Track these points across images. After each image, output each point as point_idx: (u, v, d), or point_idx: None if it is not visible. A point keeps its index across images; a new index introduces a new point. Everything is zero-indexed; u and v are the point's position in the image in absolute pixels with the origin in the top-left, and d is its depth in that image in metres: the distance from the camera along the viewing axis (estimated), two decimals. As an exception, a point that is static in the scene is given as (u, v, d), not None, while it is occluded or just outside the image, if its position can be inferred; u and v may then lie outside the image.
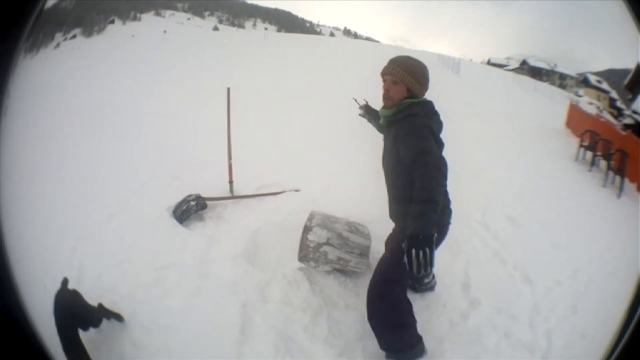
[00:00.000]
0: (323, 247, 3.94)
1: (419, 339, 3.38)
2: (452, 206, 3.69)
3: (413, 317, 3.35)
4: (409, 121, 3.10)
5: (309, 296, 3.85)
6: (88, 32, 13.29)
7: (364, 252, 4.03)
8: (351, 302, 3.90)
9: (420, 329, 3.43)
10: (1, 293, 1.68)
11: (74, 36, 13.43)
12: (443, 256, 4.30)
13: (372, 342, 3.35)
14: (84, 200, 5.07)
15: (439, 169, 2.88)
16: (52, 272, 3.82)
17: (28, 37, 1.59)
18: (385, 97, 3.23)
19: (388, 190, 3.43)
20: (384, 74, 3.25)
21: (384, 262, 3.38)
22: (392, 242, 3.44)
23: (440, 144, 3.24)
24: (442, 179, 2.90)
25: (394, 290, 3.27)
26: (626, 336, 1.62)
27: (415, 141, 2.94)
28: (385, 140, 3.43)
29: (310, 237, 3.96)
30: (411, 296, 3.57)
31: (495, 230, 4.91)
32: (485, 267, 4.29)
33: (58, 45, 12.89)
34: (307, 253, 3.99)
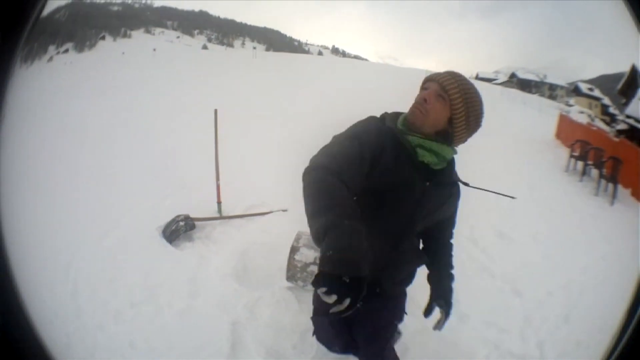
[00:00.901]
0: (310, 267, 3.95)
1: None
2: None
3: None
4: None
5: (298, 315, 3.86)
6: (80, 47, 13.29)
7: None
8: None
9: (409, 344, 3.48)
10: (3, 299, 1.69)
11: (67, 50, 13.45)
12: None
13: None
14: (77, 217, 5.11)
15: None
16: (49, 283, 3.88)
17: (25, 44, 1.60)
18: (419, 109, 2.16)
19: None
20: (430, 80, 2.20)
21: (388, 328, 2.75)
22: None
23: None
24: None
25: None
26: (626, 338, 1.64)
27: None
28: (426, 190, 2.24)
29: (297, 257, 3.97)
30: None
31: (484, 245, 4.93)
32: (474, 282, 4.30)
33: (51, 58, 12.92)
34: (295, 273, 4.00)
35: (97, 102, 9.19)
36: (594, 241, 5.16)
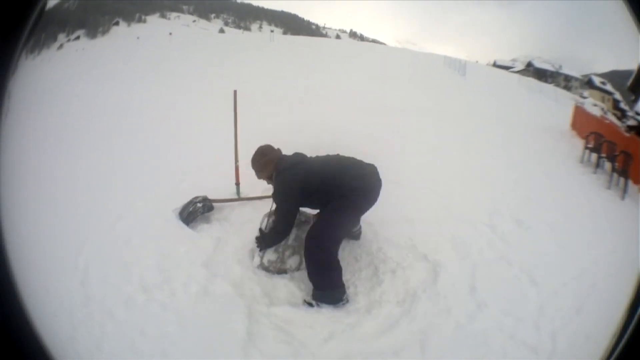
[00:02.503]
0: None
1: (341, 286, 4.02)
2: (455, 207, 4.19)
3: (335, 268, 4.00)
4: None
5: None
6: (92, 34, 13.26)
7: None
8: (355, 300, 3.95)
9: (427, 330, 3.48)
10: (1, 294, 1.66)
11: (78, 37, 13.43)
12: (450, 258, 4.37)
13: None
14: (90, 202, 5.07)
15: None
16: (55, 273, 3.82)
17: (29, 37, 1.57)
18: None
19: None
20: None
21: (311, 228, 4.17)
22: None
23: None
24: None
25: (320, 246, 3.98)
26: (626, 336, 1.61)
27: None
28: None
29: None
30: (420, 297, 3.76)
31: (502, 232, 4.89)
32: (493, 270, 4.27)
33: (61, 46, 12.90)
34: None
35: (112, 86, 9.17)
36: (605, 234, 5.11)
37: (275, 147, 4.44)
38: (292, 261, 4.24)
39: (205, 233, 4.72)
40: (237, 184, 5.27)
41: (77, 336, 3.19)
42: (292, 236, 4.28)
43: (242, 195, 5.29)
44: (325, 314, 3.70)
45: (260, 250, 4.32)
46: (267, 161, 4.31)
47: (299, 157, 4.35)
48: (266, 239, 4.32)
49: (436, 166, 6.57)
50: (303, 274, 4.17)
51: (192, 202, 4.95)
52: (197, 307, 3.65)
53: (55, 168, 5.90)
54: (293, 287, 4.00)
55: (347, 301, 4.00)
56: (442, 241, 4.67)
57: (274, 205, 4.32)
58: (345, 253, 4.50)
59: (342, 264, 4.16)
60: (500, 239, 4.77)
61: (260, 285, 3.96)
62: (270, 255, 4.25)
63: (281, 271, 4.22)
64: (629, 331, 1.61)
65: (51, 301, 3.44)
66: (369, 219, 4.57)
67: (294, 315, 3.67)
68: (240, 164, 5.28)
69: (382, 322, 3.60)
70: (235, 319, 3.53)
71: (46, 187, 5.29)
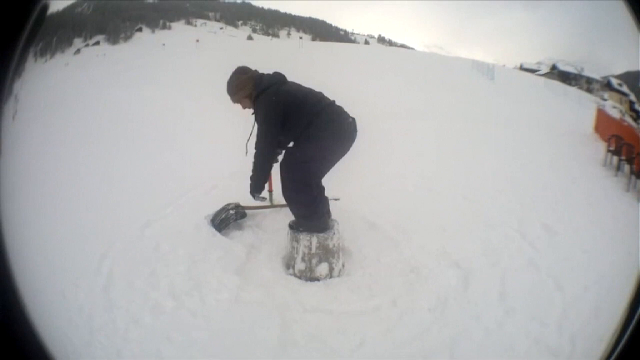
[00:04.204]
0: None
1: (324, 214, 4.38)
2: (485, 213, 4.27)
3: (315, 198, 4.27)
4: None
5: (347, 304, 3.90)
6: (113, 39, 13.30)
7: None
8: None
9: (457, 337, 3.53)
10: (3, 295, 1.68)
11: (97, 42, 13.48)
12: (481, 264, 4.41)
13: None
14: (117, 208, 5.12)
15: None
16: (75, 277, 3.86)
17: (29, 40, 1.58)
18: None
19: None
20: None
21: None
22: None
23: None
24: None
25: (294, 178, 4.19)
26: (626, 336, 1.62)
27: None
28: None
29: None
30: (451, 304, 3.78)
31: (531, 238, 4.92)
32: (521, 276, 4.29)
33: (79, 51, 12.96)
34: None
35: (137, 91, 9.21)
36: (623, 238, 5.11)
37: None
38: (321, 269, 4.26)
39: (238, 240, 4.73)
40: (270, 191, 5.27)
41: (93, 341, 3.22)
42: (314, 244, 4.25)
43: (275, 202, 5.29)
44: (358, 321, 3.70)
45: (252, 193, 4.48)
46: (246, 79, 4.25)
47: (280, 77, 4.30)
48: (252, 172, 4.40)
49: (466, 171, 6.59)
50: (334, 280, 4.23)
51: (224, 209, 4.97)
52: (228, 314, 3.67)
53: (81, 171, 5.96)
54: (325, 293, 4.00)
55: (332, 229, 4.33)
56: (473, 248, 4.70)
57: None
58: (379, 260, 4.50)
59: (376, 270, 4.24)
60: (529, 245, 4.80)
61: (292, 292, 3.97)
62: (299, 265, 4.27)
63: (312, 279, 4.24)
64: (629, 331, 1.62)
65: (67, 307, 3.48)
66: (402, 225, 4.61)
67: (325, 322, 3.67)
68: (273, 170, 5.24)
69: (413, 329, 3.59)
70: (267, 326, 3.53)
71: (70, 190, 5.35)
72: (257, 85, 4.20)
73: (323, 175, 4.41)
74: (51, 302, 3.53)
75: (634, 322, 1.63)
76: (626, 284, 1.93)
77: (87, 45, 12.92)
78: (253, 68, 4.41)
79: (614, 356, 1.65)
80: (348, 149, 4.24)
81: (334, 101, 4.32)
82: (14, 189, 2.25)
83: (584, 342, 3.51)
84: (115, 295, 3.75)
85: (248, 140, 4.43)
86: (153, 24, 13.54)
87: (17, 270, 1.71)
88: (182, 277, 4.05)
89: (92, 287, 3.82)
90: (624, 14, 1.64)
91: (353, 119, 4.27)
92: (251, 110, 4.36)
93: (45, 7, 1.59)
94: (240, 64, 4.41)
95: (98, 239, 4.51)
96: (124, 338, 3.29)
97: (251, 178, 4.41)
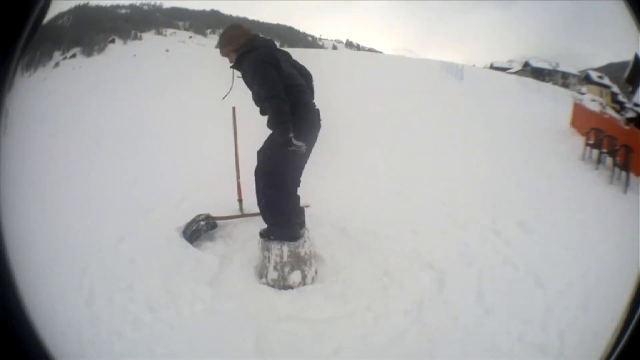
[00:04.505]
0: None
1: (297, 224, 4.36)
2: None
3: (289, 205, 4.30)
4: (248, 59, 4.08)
5: (322, 312, 3.88)
6: (88, 52, 13.26)
7: None
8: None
9: (435, 336, 3.52)
10: (4, 303, 1.66)
11: (74, 55, 13.42)
12: (456, 265, 4.39)
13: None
14: (93, 221, 5.08)
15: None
16: (61, 291, 3.84)
17: (22, 53, 1.57)
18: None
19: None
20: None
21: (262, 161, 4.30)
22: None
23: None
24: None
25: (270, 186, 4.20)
26: (627, 335, 1.61)
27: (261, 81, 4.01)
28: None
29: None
30: (427, 306, 3.77)
31: (506, 236, 4.91)
32: (498, 274, 4.29)
33: (57, 64, 12.88)
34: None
35: (110, 104, 9.18)
36: (609, 230, 5.10)
37: None
38: (294, 276, 4.23)
39: (210, 251, 4.70)
40: (240, 200, 5.25)
41: (84, 354, 3.23)
42: (286, 253, 4.22)
43: (245, 211, 5.26)
44: (333, 328, 3.68)
45: (288, 137, 3.98)
46: (242, 32, 4.22)
47: (273, 43, 4.30)
48: (275, 120, 3.99)
49: (437, 173, 6.60)
50: (308, 288, 4.21)
51: (195, 221, 4.93)
52: (204, 326, 3.65)
53: (56, 186, 5.91)
54: (299, 301, 3.98)
55: (303, 237, 4.32)
56: (447, 248, 4.68)
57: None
58: (352, 266, 4.47)
59: (349, 275, 4.22)
60: (504, 243, 4.79)
61: (266, 302, 3.96)
62: (272, 274, 4.24)
63: (286, 287, 4.21)
64: (629, 330, 1.61)
65: (60, 320, 3.46)
66: (373, 229, 4.59)
67: (301, 330, 3.65)
68: (242, 180, 5.27)
69: (390, 333, 3.59)
70: (243, 336, 3.52)
71: (47, 206, 5.30)
72: (254, 42, 4.14)
73: (298, 183, 4.40)
74: (48, 309, 3.52)
75: (634, 322, 1.62)
76: (622, 276, 1.91)
77: (64, 58, 12.85)
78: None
79: (614, 356, 1.64)
80: (315, 140, 4.24)
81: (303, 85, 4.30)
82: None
83: (574, 337, 3.51)
84: (97, 309, 3.73)
85: (224, 97, 4.47)
86: (125, 35, 13.50)
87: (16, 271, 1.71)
88: (158, 291, 4.01)
89: (77, 301, 3.80)
90: (624, 14, 1.63)
91: (317, 109, 4.28)
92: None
93: (40, 18, 1.59)
94: None
95: (79, 252, 4.48)
96: (109, 351, 3.30)
97: (278, 125, 3.98)
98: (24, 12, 1.54)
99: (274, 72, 3.95)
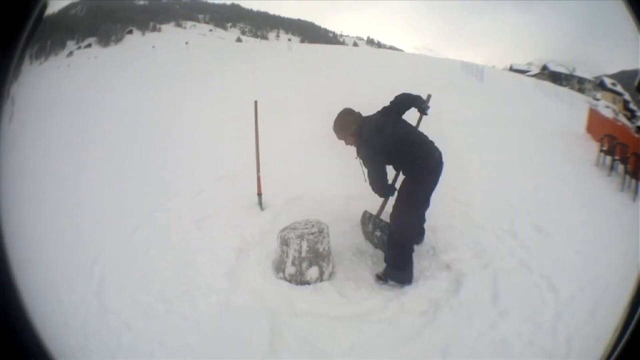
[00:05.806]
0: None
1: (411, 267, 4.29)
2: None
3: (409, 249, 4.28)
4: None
5: (337, 307, 3.88)
6: (104, 42, 13.27)
7: None
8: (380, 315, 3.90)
9: (449, 340, 3.50)
10: (3, 299, 1.65)
11: (89, 45, 13.46)
12: (473, 266, 4.39)
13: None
14: (108, 212, 5.08)
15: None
16: (69, 282, 3.83)
17: (27, 42, 1.56)
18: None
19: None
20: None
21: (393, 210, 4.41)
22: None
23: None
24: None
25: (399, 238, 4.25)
26: (626, 336, 1.60)
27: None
28: None
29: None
30: (442, 307, 3.79)
31: (522, 239, 4.88)
32: (513, 277, 4.26)
33: (71, 53, 12.92)
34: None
35: (128, 94, 9.18)
36: (618, 237, 5.09)
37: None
38: (312, 272, 4.22)
39: (225, 244, 4.70)
40: (259, 194, 5.23)
41: (89, 345, 3.23)
42: (304, 247, 4.22)
43: (264, 205, 5.25)
44: (349, 325, 3.68)
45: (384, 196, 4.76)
46: (353, 120, 4.47)
47: (379, 122, 4.46)
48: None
49: (456, 173, 6.59)
50: (325, 284, 4.19)
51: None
52: (219, 318, 3.65)
53: (69, 175, 5.92)
54: (315, 298, 3.97)
55: (411, 282, 4.24)
56: (464, 249, 4.68)
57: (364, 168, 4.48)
58: (370, 264, 4.50)
59: (366, 273, 4.24)
60: (520, 246, 4.76)
61: (282, 297, 3.95)
62: (289, 269, 4.23)
63: (303, 283, 4.21)
64: (629, 331, 1.61)
65: (63, 310, 3.46)
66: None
67: (316, 326, 3.64)
68: (261, 174, 5.25)
69: (404, 333, 3.58)
70: (257, 330, 3.51)
71: (59, 195, 5.31)
72: (360, 129, 4.42)
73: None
74: (48, 305, 3.51)
75: (634, 322, 1.61)
76: (626, 283, 1.91)
77: (79, 47, 12.89)
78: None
79: (614, 356, 1.63)
80: (438, 175, 4.41)
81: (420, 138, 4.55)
82: (10, 192, 2.23)
83: (580, 343, 3.49)
84: (107, 299, 3.74)
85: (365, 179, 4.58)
86: (143, 27, 13.49)
87: (17, 271, 1.70)
88: (172, 282, 4.02)
89: (85, 292, 3.81)
90: (624, 14, 1.63)
91: (440, 153, 4.46)
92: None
93: (44, 8, 1.58)
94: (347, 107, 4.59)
95: (90, 243, 4.49)
96: (117, 343, 3.28)
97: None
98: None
99: (377, 164, 4.38)
